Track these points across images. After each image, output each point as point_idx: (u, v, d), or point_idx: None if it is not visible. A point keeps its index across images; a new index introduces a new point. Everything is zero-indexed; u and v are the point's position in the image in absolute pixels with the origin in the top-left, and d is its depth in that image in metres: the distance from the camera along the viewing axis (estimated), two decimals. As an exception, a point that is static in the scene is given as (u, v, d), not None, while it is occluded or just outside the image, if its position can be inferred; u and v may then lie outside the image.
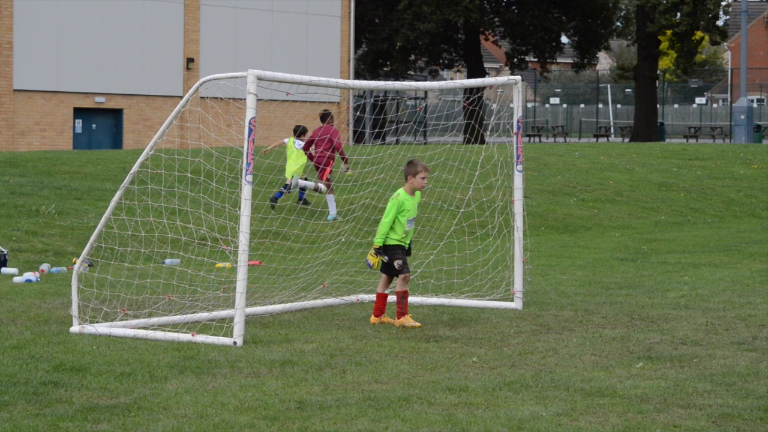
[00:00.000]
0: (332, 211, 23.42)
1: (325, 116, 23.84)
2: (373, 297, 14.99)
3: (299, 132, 23.77)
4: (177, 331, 12.11)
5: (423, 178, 12.98)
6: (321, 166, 23.31)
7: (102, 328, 12.35)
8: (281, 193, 23.40)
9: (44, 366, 10.45)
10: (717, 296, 15.00)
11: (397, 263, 12.85)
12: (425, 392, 9.48)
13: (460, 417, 8.67)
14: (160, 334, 12.02)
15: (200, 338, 11.83)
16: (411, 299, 14.68)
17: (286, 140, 23.88)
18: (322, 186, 23.27)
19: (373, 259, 12.96)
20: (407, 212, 12.95)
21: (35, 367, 10.39)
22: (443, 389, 9.59)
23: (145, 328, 12.42)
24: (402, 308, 12.95)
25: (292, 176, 23.31)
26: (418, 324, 12.87)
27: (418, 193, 13.13)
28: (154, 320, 12.75)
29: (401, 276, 12.91)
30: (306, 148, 23.55)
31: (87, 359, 10.79)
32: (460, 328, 12.82)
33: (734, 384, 9.74)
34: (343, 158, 22.89)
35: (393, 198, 13.03)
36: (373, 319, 13.20)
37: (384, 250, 12.96)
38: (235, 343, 11.61)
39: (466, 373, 10.30)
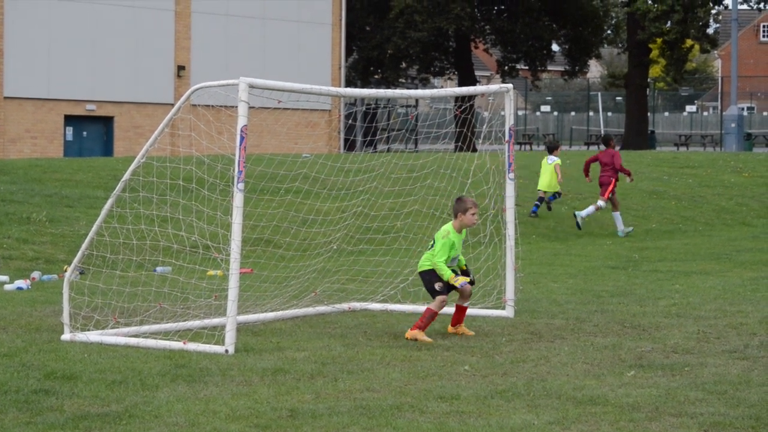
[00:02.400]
0: (620, 226, 26.21)
1: (607, 140, 26.99)
2: (363, 305, 14.98)
3: (551, 147, 27.51)
4: (168, 339, 12.09)
5: (473, 214, 12.62)
6: (604, 185, 26.15)
7: (93, 336, 12.33)
8: (537, 206, 26.90)
9: (35, 374, 10.42)
10: (708, 304, 15.01)
11: (438, 285, 12.56)
12: (417, 400, 9.47)
13: (451, 425, 8.66)
14: (151, 342, 12.00)
15: (192, 346, 11.81)
16: (403, 307, 14.69)
17: (549, 160, 26.97)
18: (601, 203, 26.06)
19: (463, 281, 12.67)
20: (454, 251, 12.68)
21: (26, 375, 10.36)
22: (435, 397, 9.58)
23: (136, 336, 12.40)
24: (422, 323, 12.61)
25: (545, 190, 26.85)
26: (429, 339, 12.61)
27: (465, 230, 12.87)
28: (146, 328, 12.73)
29: (437, 298, 12.61)
30: (586, 167, 26.79)
31: (78, 367, 10.76)
32: (452, 336, 12.82)
33: (726, 392, 9.74)
34: (627, 174, 26.27)
35: (442, 236, 12.61)
36: (449, 329, 12.98)
37: (428, 273, 12.62)
38: (226, 351, 11.60)
39: (457, 381, 10.29)
